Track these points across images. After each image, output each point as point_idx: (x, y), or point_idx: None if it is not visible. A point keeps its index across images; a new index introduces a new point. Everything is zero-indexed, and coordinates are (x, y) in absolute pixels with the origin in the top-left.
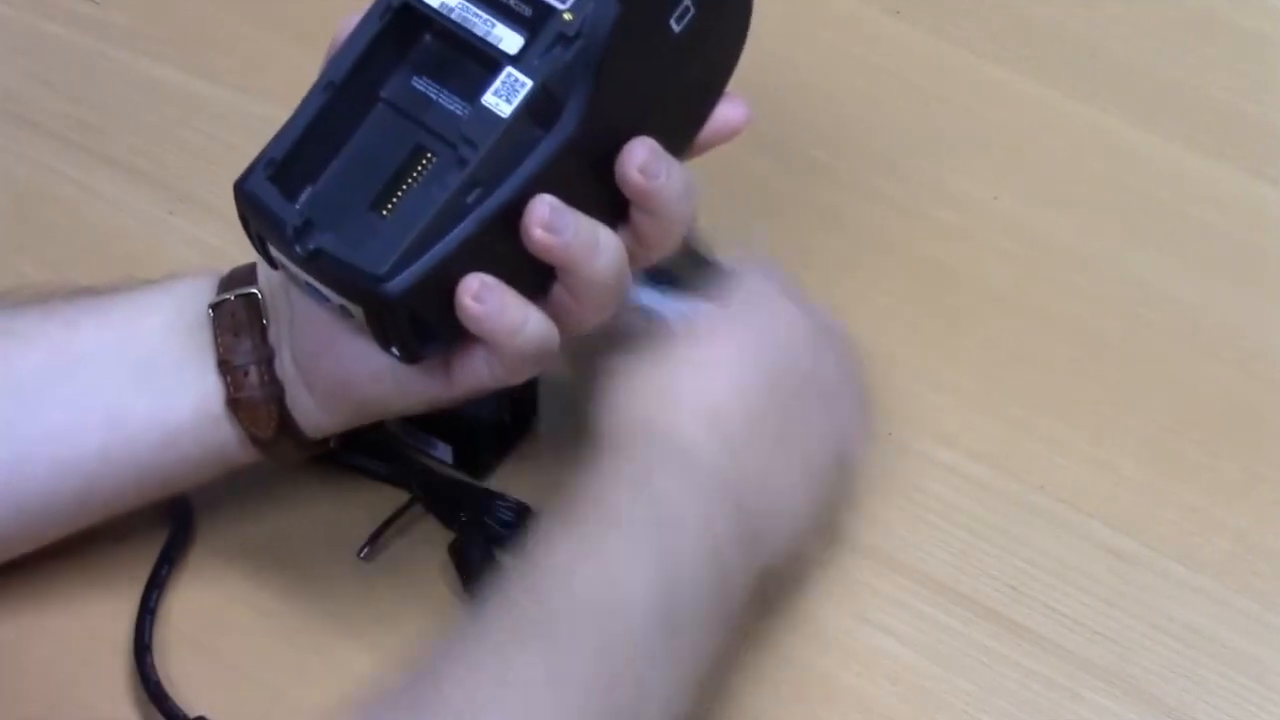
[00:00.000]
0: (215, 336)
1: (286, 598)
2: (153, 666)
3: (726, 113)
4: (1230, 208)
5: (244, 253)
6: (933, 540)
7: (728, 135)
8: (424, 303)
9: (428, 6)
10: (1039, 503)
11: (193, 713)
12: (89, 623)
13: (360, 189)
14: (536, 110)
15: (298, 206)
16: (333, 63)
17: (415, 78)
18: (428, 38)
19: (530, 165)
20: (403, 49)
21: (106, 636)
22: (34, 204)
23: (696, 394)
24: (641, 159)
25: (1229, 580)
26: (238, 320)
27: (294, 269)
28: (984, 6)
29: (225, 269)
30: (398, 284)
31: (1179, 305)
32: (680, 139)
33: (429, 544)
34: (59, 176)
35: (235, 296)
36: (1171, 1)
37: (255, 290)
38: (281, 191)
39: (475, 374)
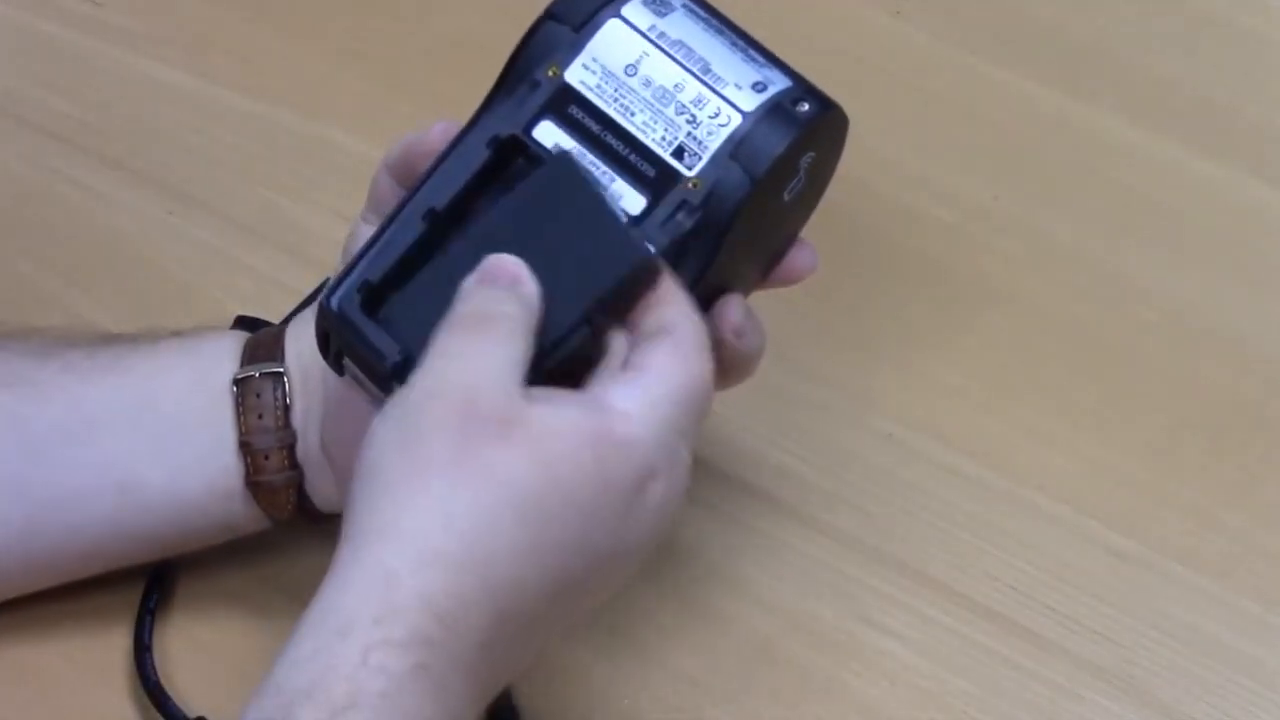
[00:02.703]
0: (237, 416)
1: (288, 598)
2: (153, 667)
3: (798, 259)
4: (1230, 208)
5: (242, 252)
6: (933, 540)
7: (794, 280)
8: None
9: (540, 146)
10: (1039, 503)
11: (193, 713)
12: (89, 623)
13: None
14: None
15: (383, 328)
16: (434, 186)
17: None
18: (522, 162)
19: None
20: (502, 173)
21: (106, 636)
22: (34, 204)
23: (505, 554)
24: (736, 322)
25: (1229, 580)
26: (262, 401)
27: (378, 394)
28: (984, 6)
29: (245, 330)
30: None
31: (1179, 305)
32: (755, 281)
33: None
34: (59, 176)
35: (261, 375)
36: (1171, 1)
37: (281, 369)
38: (367, 311)
39: None
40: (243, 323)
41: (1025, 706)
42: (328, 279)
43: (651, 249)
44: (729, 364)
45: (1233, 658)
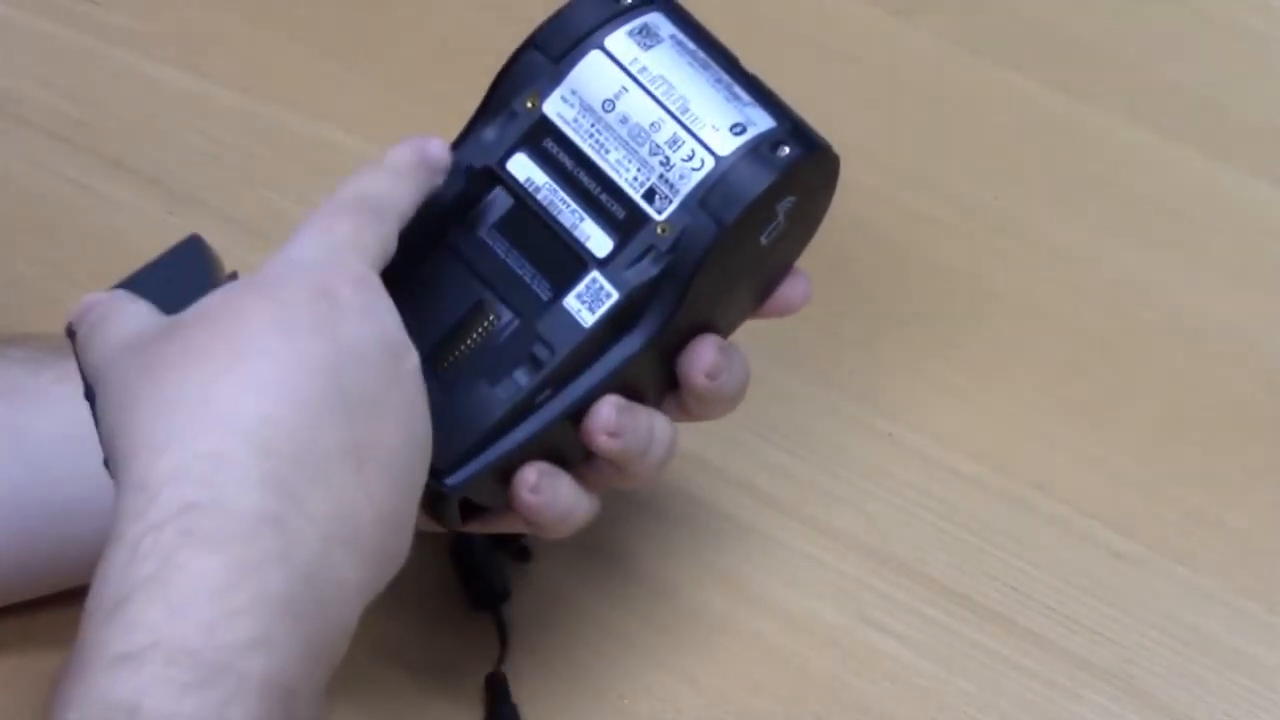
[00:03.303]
0: None
1: None
2: None
3: (790, 291)
4: (1231, 208)
5: (242, 252)
6: (933, 540)
7: (786, 312)
8: (477, 491)
9: (513, 179)
10: (1039, 503)
11: None
12: None
13: (415, 337)
14: (617, 320)
15: None
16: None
17: (484, 230)
18: (499, 191)
19: (600, 371)
20: (476, 201)
21: None
22: (34, 204)
23: (231, 403)
24: (709, 363)
25: (1229, 580)
26: None
27: None
28: (984, 6)
29: None
30: (457, 479)
31: (1179, 305)
32: (742, 317)
33: (430, 545)
34: (59, 176)
35: None
36: (1171, 1)
37: None
38: None
39: (506, 527)
40: None
41: (1025, 706)
42: None
43: (615, 293)
44: (705, 402)
45: (1233, 658)
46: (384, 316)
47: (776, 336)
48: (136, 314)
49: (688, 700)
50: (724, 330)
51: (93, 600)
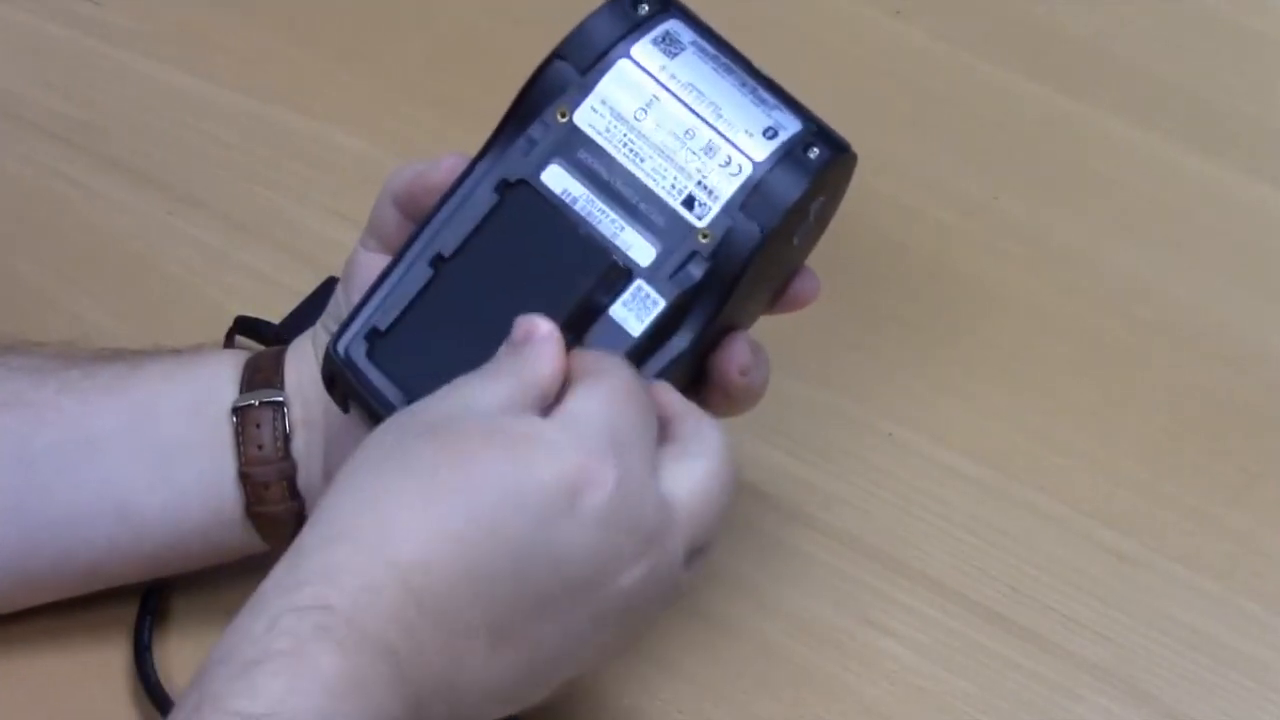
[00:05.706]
0: (237, 446)
1: None
2: (153, 666)
3: (802, 286)
4: (1230, 208)
5: (242, 252)
6: (933, 540)
7: (799, 307)
8: None
9: (549, 191)
10: (1039, 503)
11: None
12: (89, 623)
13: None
14: (661, 327)
15: (386, 372)
16: (441, 230)
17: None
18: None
19: (645, 375)
20: (512, 217)
21: (106, 636)
22: (34, 204)
23: (403, 535)
24: (742, 361)
25: (1230, 581)
26: (262, 432)
27: None
28: (984, 6)
29: (245, 329)
30: None
31: (1179, 305)
32: (759, 314)
33: None
34: (59, 177)
35: (261, 403)
36: (1171, 1)
37: (282, 398)
38: (377, 357)
39: None
40: (243, 322)
41: (1025, 706)
42: (328, 279)
43: (662, 300)
44: (735, 398)
45: (1233, 658)
46: (619, 539)
47: (776, 337)
48: (483, 391)
49: (688, 700)
50: (745, 327)
51: (224, 648)
